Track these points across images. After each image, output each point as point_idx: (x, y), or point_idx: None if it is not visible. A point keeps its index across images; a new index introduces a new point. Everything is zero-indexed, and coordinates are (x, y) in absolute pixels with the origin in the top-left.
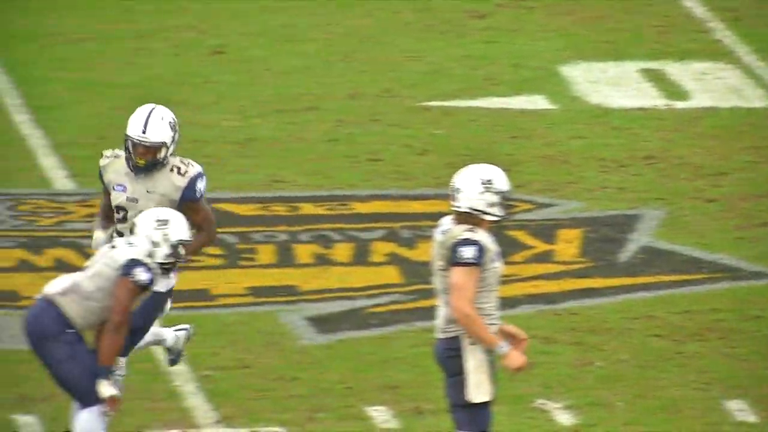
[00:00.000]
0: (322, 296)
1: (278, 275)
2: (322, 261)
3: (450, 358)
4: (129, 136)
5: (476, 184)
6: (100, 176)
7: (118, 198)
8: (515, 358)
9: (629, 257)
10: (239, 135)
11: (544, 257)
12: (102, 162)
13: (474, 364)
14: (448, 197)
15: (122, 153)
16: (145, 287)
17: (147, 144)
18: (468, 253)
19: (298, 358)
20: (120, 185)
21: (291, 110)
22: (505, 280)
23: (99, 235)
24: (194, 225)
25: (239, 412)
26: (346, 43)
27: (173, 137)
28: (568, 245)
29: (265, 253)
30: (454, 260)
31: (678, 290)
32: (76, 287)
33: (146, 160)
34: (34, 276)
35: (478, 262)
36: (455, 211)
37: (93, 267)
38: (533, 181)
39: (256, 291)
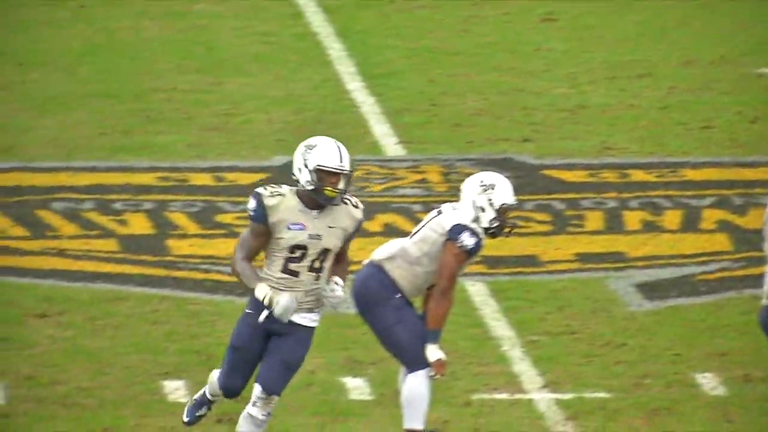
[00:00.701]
0: (651, 263)
1: (607, 242)
2: (652, 228)
3: None
4: (327, 167)
5: None
6: (261, 217)
7: (295, 237)
8: None
9: None
10: (569, 102)
11: None
12: (270, 202)
13: None
14: None
15: (284, 190)
16: (471, 252)
17: (345, 173)
18: None
19: (626, 324)
20: (296, 224)
21: (623, 77)
22: None
23: (266, 289)
24: (341, 257)
25: (565, 378)
26: (681, 9)
27: None
28: None
29: (594, 220)
30: None
31: None
32: (403, 252)
33: (338, 192)
34: (365, 241)
35: None
36: None
37: (419, 232)
38: None
39: (584, 257)
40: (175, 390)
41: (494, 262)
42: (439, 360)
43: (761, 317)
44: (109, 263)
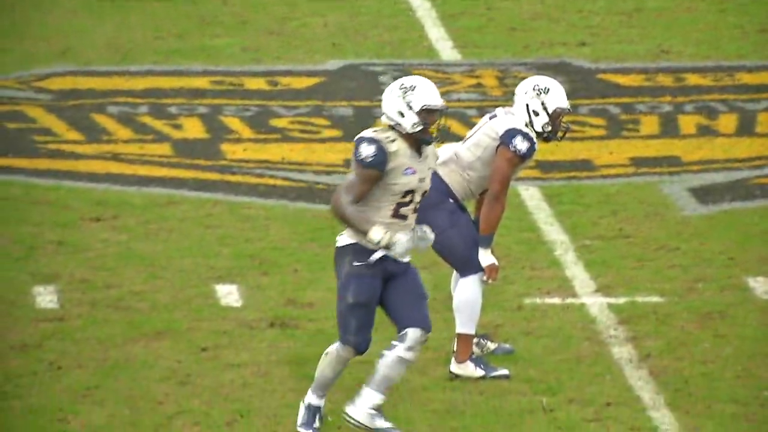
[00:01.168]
0: (706, 167)
1: (661, 146)
2: (706, 132)
3: None
4: (434, 105)
5: None
6: (381, 163)
7: (409, 182)
8: None
9: None
10: (627, 5)
11: None
12: (391, 148)
13: None
14: None
15: (394, 134)
16: (524, 156)
17: (444, 110)
18: None
19: (680, 228)
20: (409, 168)
21: None
22: None
23: (383, 231)
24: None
25: (618, 282)
26: None
27: None
28: None
29: (649, 124)
30: None
31: None
32: (456, 157)
33: (442, 129)
34: None
35: None
36: None
37: (473, 137)
38: None
39: (638, 161)
40: (228, 294)
41: (548, 166)
42: (491, 265)
43: None
44: (163, 167)
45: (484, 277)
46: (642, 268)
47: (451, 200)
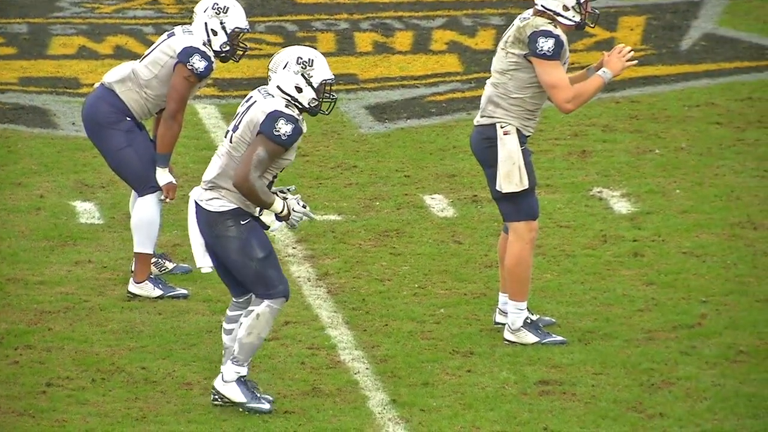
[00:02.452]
0: (382, 85)
1: (338, 63)
2: (383, 49)
3: (486, 149)
4: (330, 79)
5: None
6: (294, 142)
7: (293, 157)
8: (613, 63)
9: (691, 44)
10: None
11: (605, 45)
12: (305, 128)
13: (504, 154)
14: None
15: (296, 110)
16: (201, 75)
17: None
18: (546, 45)
19: (357, 146)
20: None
21: None
22: (568, 68)
23: (282, 203)
24: None
25: None
26: None
27: None
28: (629, 33)
29: (325, 42)
30: (534, 52)
31: (740, 77)
32: (134, 75)
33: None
34: (94, 63)
35: (556, 57)
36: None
37: (150, 55)
38: None
39: None
40: None
41: (226, 85)
42: (169, 183)
43: (473, 140)
44: None
45: (162, 196)
46: (320, 186)
47: (128, 119)
